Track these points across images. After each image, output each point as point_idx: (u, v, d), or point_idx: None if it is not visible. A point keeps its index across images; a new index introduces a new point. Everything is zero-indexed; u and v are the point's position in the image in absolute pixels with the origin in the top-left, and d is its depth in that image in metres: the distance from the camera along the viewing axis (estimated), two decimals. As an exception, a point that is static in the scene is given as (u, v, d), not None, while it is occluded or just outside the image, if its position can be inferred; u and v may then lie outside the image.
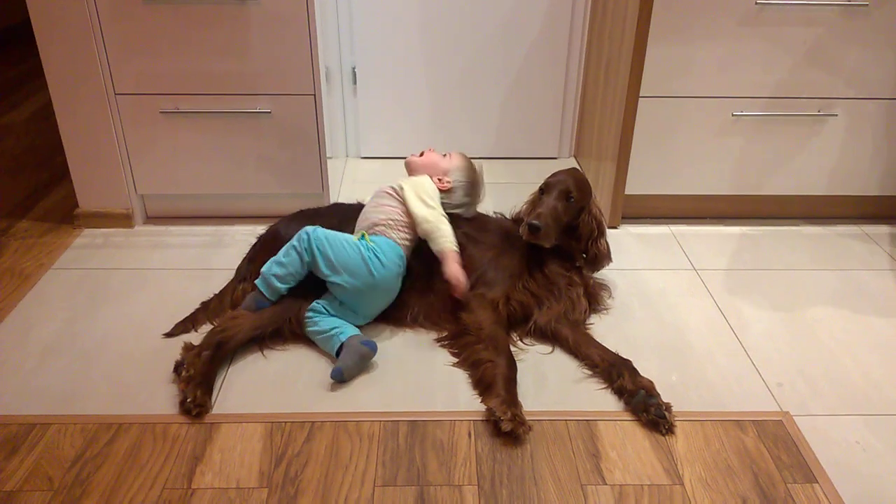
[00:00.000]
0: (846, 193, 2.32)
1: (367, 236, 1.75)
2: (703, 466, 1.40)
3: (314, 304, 1.71)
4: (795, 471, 1.39)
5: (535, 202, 1.87)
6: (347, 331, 1.66)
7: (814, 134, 2.21)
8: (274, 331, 1.71)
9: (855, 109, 2.17)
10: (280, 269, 1.70)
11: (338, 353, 1.63)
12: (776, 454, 1.43)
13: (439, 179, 1.88)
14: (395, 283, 1.76)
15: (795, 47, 2.08)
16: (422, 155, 1.93)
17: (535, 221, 1.75)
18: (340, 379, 1.59)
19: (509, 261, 1.81)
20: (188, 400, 1.50)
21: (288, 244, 1.72)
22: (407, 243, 1.79)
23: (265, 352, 1.69)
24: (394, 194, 1.82)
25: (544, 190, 1.84)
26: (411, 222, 1.78)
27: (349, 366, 1.60)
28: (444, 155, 1.93)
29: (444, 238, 1.75)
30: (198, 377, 1.55)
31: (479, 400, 1.55)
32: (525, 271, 1.79)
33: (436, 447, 1.43)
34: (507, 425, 1.43)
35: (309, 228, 1.71)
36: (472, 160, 1.95)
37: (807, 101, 2.16)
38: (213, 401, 1.54)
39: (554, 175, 1.86)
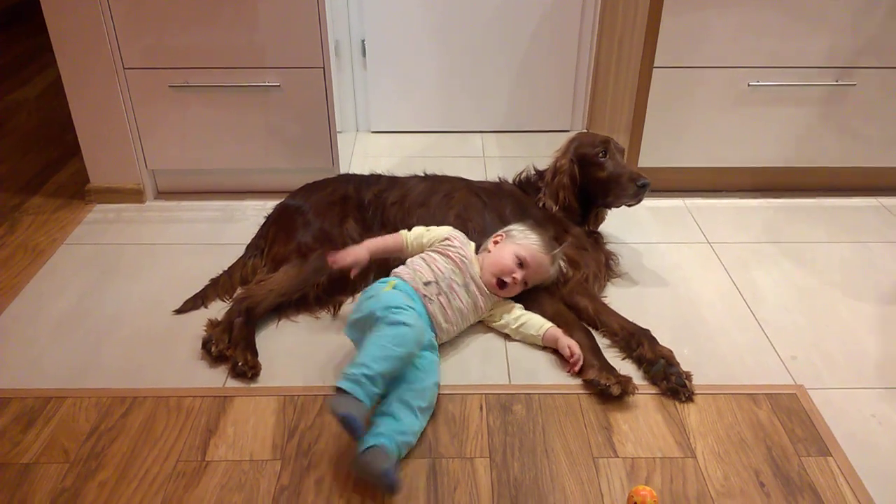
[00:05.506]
0: (863, 165, 2.28)
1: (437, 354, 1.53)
2: (716, 439, 1.40)
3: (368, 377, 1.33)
4: (809, 444, 1.39)
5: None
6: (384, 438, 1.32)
7: (831, 104, 2.16)
8: (300, 297, 1.72)
9: (874, 79, 2.12)
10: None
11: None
12: (790, 427, 1.42)
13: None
14: None
15: (813, 14, 2.03)
16: (502, 283, 1.64)
17: (647, 179, 1.78)
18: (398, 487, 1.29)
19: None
20: (240, 364, 1.52)
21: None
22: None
23: (280, 325, 1.70)
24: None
25: (607, 152, 1.83)
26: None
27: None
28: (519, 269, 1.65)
29: (538, 319, 1.65)
30: (241, 342, 1.58)
31: (573, 376, 1.55)
32: (555, 240, 1.77)
33: (448, 420, 1.43)
34: (616, 389, 1.45)
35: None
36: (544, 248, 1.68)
37: (825, 71, 2.11)
38: (226, 377, 1.55)
39: (587, 137, 1.90)
